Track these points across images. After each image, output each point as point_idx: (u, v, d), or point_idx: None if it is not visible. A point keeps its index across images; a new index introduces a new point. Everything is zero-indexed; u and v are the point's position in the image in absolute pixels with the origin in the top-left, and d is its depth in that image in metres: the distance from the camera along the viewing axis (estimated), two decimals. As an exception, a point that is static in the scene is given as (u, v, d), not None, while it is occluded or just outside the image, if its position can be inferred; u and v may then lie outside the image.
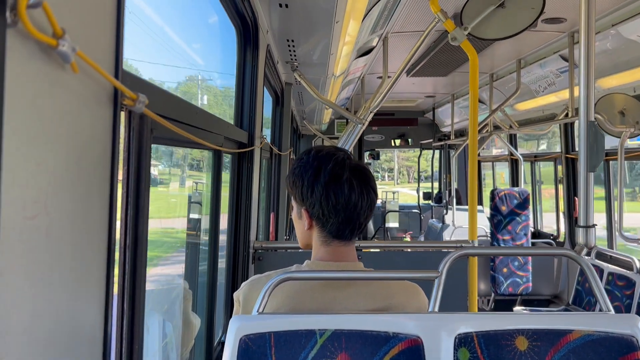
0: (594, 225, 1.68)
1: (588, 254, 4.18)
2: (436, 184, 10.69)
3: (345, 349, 1.49)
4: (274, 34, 2.91)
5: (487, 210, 6.94)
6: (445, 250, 3.31)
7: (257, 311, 1.53)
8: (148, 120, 0.97)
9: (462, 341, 1.51)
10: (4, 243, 0.52)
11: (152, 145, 1.05)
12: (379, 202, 10.96)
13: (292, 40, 3.04)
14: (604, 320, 1.53)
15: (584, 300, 4.91)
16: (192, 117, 1.35)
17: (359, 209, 1.53)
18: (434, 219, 8.93)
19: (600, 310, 1.61)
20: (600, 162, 1.62)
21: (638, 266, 4.30)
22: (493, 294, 5.88)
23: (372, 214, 1.59)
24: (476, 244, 2.80)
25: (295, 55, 3.40)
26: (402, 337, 1.50)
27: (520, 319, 1.55)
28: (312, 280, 1.59)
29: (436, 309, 1.60)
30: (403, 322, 1.51)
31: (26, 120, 0.55)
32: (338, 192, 1.50)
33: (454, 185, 8.07)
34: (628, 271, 4.38)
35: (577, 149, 5.80)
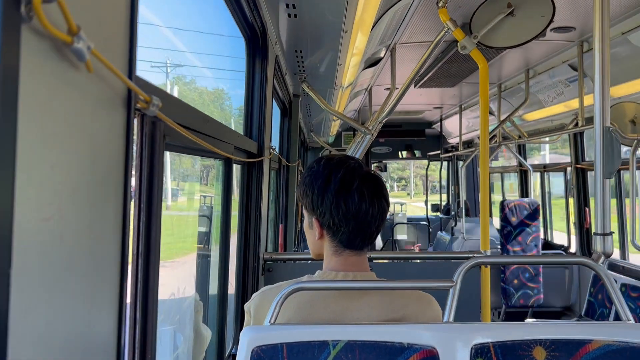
0: (611, 233, 1.65)
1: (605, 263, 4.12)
2: (444, 196, 10.64)
3: (359, 360, 1.46)
4: (283, 44, 2.92)
5: (496, 222, 6.88)
6: (455, 260, 3.28)
7: (269, 322, 1.51)
8: (161, 126, 0.96)
9: (479, 352, 1.47)
10: (20, 245, 0.50)
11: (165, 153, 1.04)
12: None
13: (301, 51, 3.04)
14: (625, 330, 1.50)
15: (596, 312, 4.84)
16: (203, 126, 1.34)
17: (369, 218, 1.51)
18: (442, 231, 8.87)
19: (618, 319, 1.57)
20: (617, 168, 1.60)
21: (652, 277, 4.24)
22: (504, 306, 5.81)
23: (383, 223, 1.57)
24: (489, 254, 2.77)
25: (303, 66, 3.41)
26: (417, 347, 1.47)
27: (538, 329, 1.51)
28: (324, 291, 1.56)
29: (451, 319, 1.57)
30: (418, 333, 1.48)
31: (41, 119, 0.54)
32: (348, 200, 1.48)
33: (463, 196, 8.03)
34: (642, 282, 4.32)
35: (587, 158, 5.75)
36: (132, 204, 0.89)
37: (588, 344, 1.48)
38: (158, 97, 0.82)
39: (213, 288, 1.97)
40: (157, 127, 0.96)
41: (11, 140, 0.47)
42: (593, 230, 5.47)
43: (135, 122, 0.96)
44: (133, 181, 0.89)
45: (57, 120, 0.57)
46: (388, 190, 1.69)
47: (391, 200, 1.67)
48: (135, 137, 0.95)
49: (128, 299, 0.91)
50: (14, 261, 0.49)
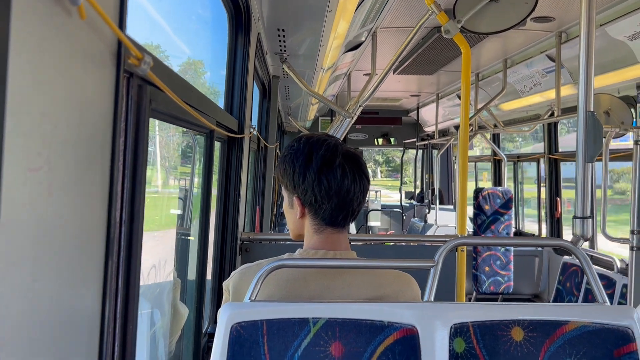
0: (590, 216, 1.68)
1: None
2: (418, 184, 10.73)
3: (339, 337, 1.46)
4: (265, 22, 2.87)
5: (470, 209, 6.97)
6: (430, 244, 3.30)
7: (250, 299, 1.49)
8: (147, 90, 0.93)
9: (458, 331, 1.49)
10: (8, 194, 0.47)
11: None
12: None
13: (283, 30, 3.00)
14: (600, 312, 1.52)
15: (564, 300, 4.95)
16: (188, 95, 1.30)
17: (352, 195, 1.51)
18: (416, 218, 8.95)
19: (586, 301, 1.60)
20: (599, 152, 1.62)
21: (619, 266, 4.34)
22: (475, 293, 5.91)
23: (364, 200, 1.58)
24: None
25: (285, 46, 3.36)
26: (397, 326, 1.47)
27: (517, 309, 1.53)
28: (305, 269, 1.56)
29: (431, 299, 1.58)
30: (398, 311, 1.48)
31: (31, 64, 0.50)
32: (331, 177, 1.48)
33: (437, 184, 8.10)
34: (609, 271, 4.43)
35: (560, 149, 5.85)
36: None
37: (565, 324, 1.50)
38: (149, 56, 0.79)
39: (191, 266, 1.94)
40: (144, 91, 0.92)
41: (1, 81, 0.44)
42: (565, 218, 5.56)
43: (122, 84, 0.92)
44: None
45: (47, 67, 0.54)
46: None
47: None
48: (121, 99, 0.91)
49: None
50: (2, 211, 0.46)
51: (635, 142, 3.75)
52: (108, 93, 0.71)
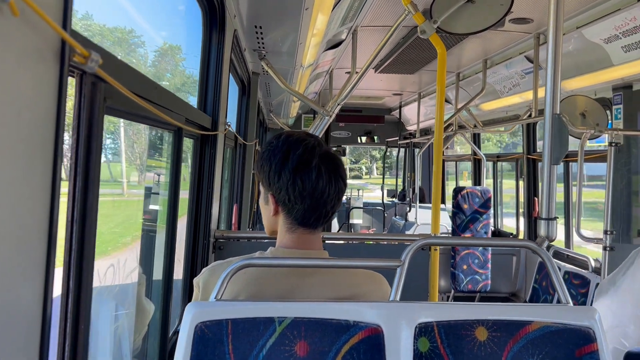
0: (555, 218, 1.70)
1: (549, 247, 4.27)
2: (400, 181, 10.77)
3: (305, 337, 1.46)
4: (242, 19, 2.85)
5: (449, 208, 7.01)
6: (407, 243, 3.32)
7: (215, 298, 1.48)
8: (101, 87, 0.92)
9: (423, 330, 1.49)
10: None
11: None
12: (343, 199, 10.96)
13: (260, 27, 2.98)
14: (563, 312, 1.54)
15: (540, 298, 5.01)
16: (149, 92, 1.29)
17: (325, 197, 1.50)
18: (397, 217, 8.99)
19: (559, 302, 1.62)
20: (564, 155, 1.64)
21: (593, 265, 4.40)
22: (453, 291, 5.95)
23: (340, 203, 1.56)
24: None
25: (263, 43, 3.35)
26: (362, 325, 1.48)
27: (481, 309, 1.54)
28: (275, 268, 1.55)
29: (397, 298, 1.58)
30: (364, 311, 1.48)
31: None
32: (305, 178, 1.47)
33: (418, 183, 8.14)
34: (583, 270, 4.49)
35: (539, 149, 5.91)
36: (65, 168, 0.84)
37: (528, 325, 1.52)
38: (99, 54, 0.77)
39: (158, 263, 1.93)
40: (98, 88, 0.91)
41: None
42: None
43: (74, 82, 0.91)
44: (69, 143, 0.84)
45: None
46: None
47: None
48: (74, 97, 0.90)
49: (60, 267, 0.87)
50: None
51: (610, 144, 3.80)
52: (51, 91, 0.70)
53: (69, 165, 0.90)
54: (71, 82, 0.93)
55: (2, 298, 0.64)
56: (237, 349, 1.44)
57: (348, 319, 1.48)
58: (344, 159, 11.37)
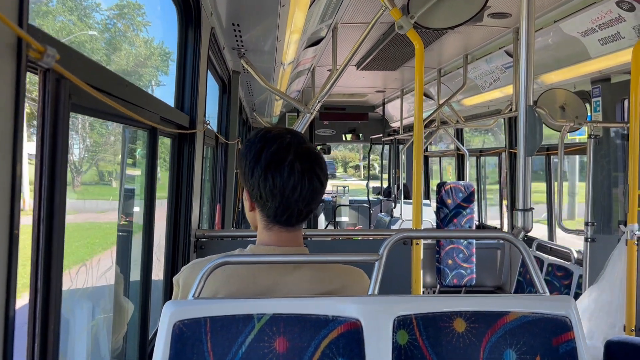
0: (531, 209, 1.71)
1: (525, 238, 4.32)
2: (385, 177, 10.80)
3: (284, 333, 1.45)
4: (220, 17, 2.84)
5: (433, 204, 7.05)
6: (388, 237, 3.33)
7: (193, 296, 1.48)
8: (66, 84, 0.90)
9: (401, 323, 1.50)
10: None
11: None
12: (328, 196, 10.98)
13: (238, 25, 2.97)
14: (539, 302, 1.55)
15: (525, 291, 5.05)
16: (120, 89, 1.27)
17: (297, 196, 1.46)
18: (382, 213, 9.02)
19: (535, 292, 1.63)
20: (538, 146, 1.65)
21: (575, 257, 4.45)
22: (438, 285, 5.99)
23: (315, 201, 1.51)
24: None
25: (241, 41, 3.33)
26: (341, 320, 1.48)
27: (459, 301, 1.55)
28: (255, 265, 1.54)
29: (376, 292, 1.58)
30: (342, 305, 1.48)
31: None
32: (276, 176, 1.44)
33: (402, 179, 8.17)
34: (566, 262, 4.53)
35: (520, 143, 5.95)
36: (27, 166, 0.83)
37: (506, 315, 1.53)
38: (57, 49, 0.76)
39: (136, 263, 1.91)
40: (62, 85, 0.90)
41: None
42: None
43: (38, 79, 0.90)
44: (31, 142, 0.83)
45: None
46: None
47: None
48: (37, 94, 0.89)
49: (27, 268, 0.86)
50: None
51: (589, 136, 3.84)
52: (8, 88, 0.69)
53: (35, 164, 0.89)
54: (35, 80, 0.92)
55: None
56: (216, 346, 1.44)
57: (327, 314, 1.48)
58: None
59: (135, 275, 1.88)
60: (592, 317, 2.93)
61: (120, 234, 1.96)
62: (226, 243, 2.90)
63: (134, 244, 1.95)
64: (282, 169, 1.44)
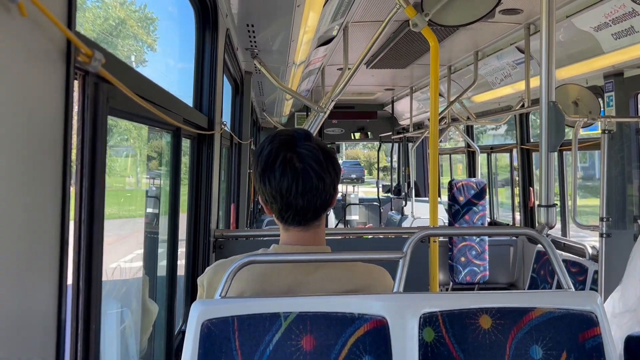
0: (554, 205, 1.71)
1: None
2: (395, 176, 10.80)
3: (311, 331, 1.47)
4: (234, 18, 2.85)
5: (444, 201, 7.03)
6: (405, 235, 3.34)
7: (220, 295, 1.49)
8: (104, 88, 0.92)
9: (427, 321, 1.50)
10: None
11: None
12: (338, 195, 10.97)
13: (252, 26, 2.98)
14: (565, 298, 1.56)
15: (539, 287, 5.03)
16: (149, 93, 1.29)
17: (293, 195, 1.45)
18: (393, 211, 9.01)
19: (559, 288, 1.63)
20: (561, 142, 1.65)
21: (590, 253, 4.43)
22: (451, 283, 5.97)
23: (318, 198, 1.49)
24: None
25: (255, 42, 3.35)
26: (367, 317, 1.49)
27: (484, 297, 1.56)
28: (279, 264, 1.56)
29: (401, 290, 1.59)
30: (368, 303, 1.49)
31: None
32: (271, 178, 1.45)
33: (413, 177, 8.16)
34: (581, 258, 4.51)
35: (532, 140, 5.93)
36: (73, 169, 0.85)
37: (531, 311, 1.53)
38: (100, 53, 0.78)
39: (161, 264, 1.93)
40: (100, 89, 0.92)
41: None
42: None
43: (77, 83, 0.91)
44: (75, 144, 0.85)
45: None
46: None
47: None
48: (76, 99, 0.90)
49: (70, 267, 0.87)
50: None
51: (603, 131, 3.82)
52: (58, 91, 0.70)
53: (75, 167, 0.90)
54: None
55: (18, 300, 0.64)
56: (244, 345, 1.45)
57: (353, 312, 1.49)
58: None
59: (160, 276, 1.89)
60: (616, 315, 2.92)
61: (146, 236, 1.98)
62: (243, 243, 2.91)
63: (159, 246, 1.97)
64: (275, 171, 1.45)
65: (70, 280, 0.89)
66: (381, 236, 3.92)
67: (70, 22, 0.70)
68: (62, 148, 0.71)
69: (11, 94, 0.60)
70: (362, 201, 10.90)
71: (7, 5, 0.55)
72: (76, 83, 0.91)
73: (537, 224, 1.78)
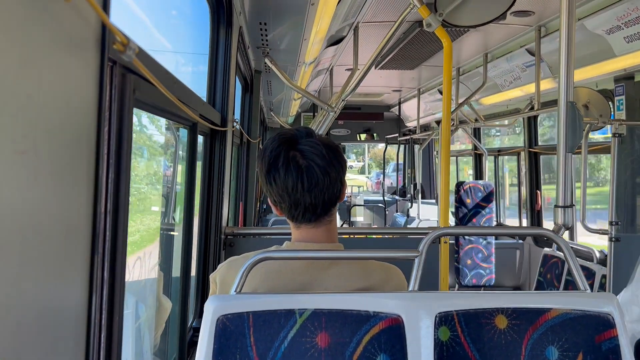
0: (572, 205, 1.70)
1: (545, 239, 4.28)
2: (400, 178, 10.79)
3: (326, 328, 1.46)
4: (246, 16, 2.85)
5: (451, 203, 7.01)
6: (413, 237, 3.33)
7: (235, 291, 1.49)
8: (131, 79, 0.92)
9: (443, 320, 1.50)
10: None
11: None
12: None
13: (265, 24, 2.99)
14: (581, 299, 1.55)
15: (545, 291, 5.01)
16: (171, 86, 1.29)
17: (300, 192, 1.45)
18: (398, 213, 9.00)
19: (566, 289, 1.63)
20: (579, 142, 1.65)
21: (598, 257, 4.41)
22: (457, 285, 5.96)
23: (325, 193, 1.48)
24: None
25: (267, 40, 3.35)
26: (382, 316, 1.48)
27: (500, 297, 1.55)
28: (292, 261, 1.56)
29: (416, 289, 1.59)
30: (384, 301, 1.49)
31: (16, 43, 0.49)
32: (276, 177, 1.45)
33: (419, 179, 8.15)
34: (588, 262, 4.49)
35: (539, 143, 5.92)
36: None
37: (547, 312, 1.53)
38: (135, 43, 0.78)
39: (175, 260, 1.93)
40: (127, 80, 0.91)
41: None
42: (546, 209, 5.63)
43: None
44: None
45: (32, 50, 0.53)
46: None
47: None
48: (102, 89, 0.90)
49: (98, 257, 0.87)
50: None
51: (613, 135, 3.81)
52: (92, 80, 0.70)
53: (100, 158, 0.90)
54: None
55: (51, 293, 0.64)
56: (259, 340, 1.45)
57: (368, 310, 1.48)
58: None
59: (174, 272, 1.89)
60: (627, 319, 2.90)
61: (161, 232, 1.98)
62: (252, 240, 2.91)
63: (173, 242, 1.97)
64: (279, 169, 1.45)
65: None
66: (388, 237, 3.92)
67: (106, 9, 0.70)
68: (96, 137, 0.71)
69: (49, 78, 0.60)
70: (367, 203, 10.88)
71: (51, -10, 0.55)
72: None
73: (554, 224, 1.78)
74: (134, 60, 0.78)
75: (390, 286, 1.63)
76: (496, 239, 6.03)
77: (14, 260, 0.55)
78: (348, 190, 11.77)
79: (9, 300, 0.55)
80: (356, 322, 1.48)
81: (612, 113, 4.36)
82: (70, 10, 0.60)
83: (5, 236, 0.51)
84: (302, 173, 1.45)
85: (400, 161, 10.67)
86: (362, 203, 10.68)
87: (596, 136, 5.06)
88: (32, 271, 0.60)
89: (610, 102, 4.36)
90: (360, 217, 10.69)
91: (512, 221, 7.16)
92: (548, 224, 6.00)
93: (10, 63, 0.49)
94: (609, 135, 3.93)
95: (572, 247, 4.96)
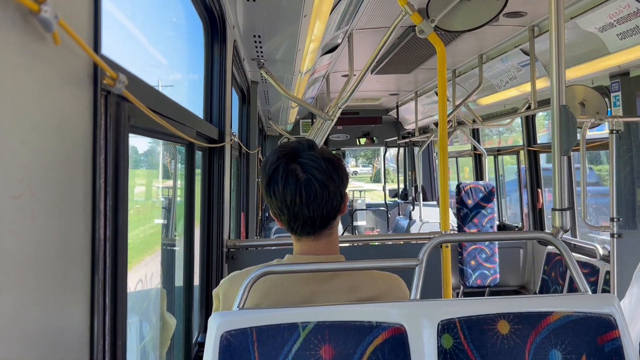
0: (569, 208, 1.71)
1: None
2: (401, 180, 10.79)
3: (329, 340, 1.47)
4: (240, 29, 2.87)
5: (452, 204, 7.03)
6: (415, 242, 3.34)
7: (238, 307, 1.50)
8: (125, 107, 0.93)
9: (445, 327, 1.50)
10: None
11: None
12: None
13: (259, 36, 3.00)
14: (582, 301, 1.55)
15: (550, 289, 5.02)
16: (166, 108, 1.30)
17: (298, 205, 1.46)
18: (400, 216, 9.01)
19: (571, 291, 1.63)
20: (573, 145, 1.66)
21: (601, 253, 4.42)
22: (462, 287, 5.96)
23: (324, 206, 1.49)
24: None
25: (261, 52, 3.37)
26: (385, 326, 1.49)
27: (501, 303, 1.55)
28: (294, 275, 1.56)
29: (418, 297, 1.59)
30: (386, 311, 1.50)
31: (9, 92, 0.51)
32: (275, 190, 1.46)
33: (419, 181, 8.16)
34: (592, 258, 4.50)
35: (538, 141, 5.93)
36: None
37: (549, 315, 1.53)
38: (124, 75, 0.79)
39: (178, 276, 1.94)
40: (122, 108, 0.93)
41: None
42: (548, 208, 5.66)
43: (100, 103, 0.92)
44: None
45: (25, 94, 0.55)
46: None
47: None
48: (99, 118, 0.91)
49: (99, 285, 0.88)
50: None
51: (611, 131, 3.82)
52: (87, 113, 0.72)
53: (97, 185, 0.91)
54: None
55: (52, 321, 0.65)
56: (263, 356, 1.46)
57: (371, 320, 1.49)
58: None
59: (177, 288, 1.90)
60: (633, 318, 2.90)
61: (163, 248, 1.99)
62: (254, 253, 2.92)
63: (175, 258, 1.98)
64: (278, 183, 1.46)
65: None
66: (390, 242, 3.92)
67: (96, 46, 0.72)
68: (92, 166, 0.73)
69: (43, 119, 0.61)
70: (369, 207, 10.89)
71: (42, 35, 0.56)
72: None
73: (552, 227, 1.78)
74: (123, 92, 0.80)
75: (393, 295, 1.64)
76: (504, 240, 6.04)
77: (15, 298, 0.56)
78: (350, 195, 11.79)
79: (10, 333, 0.56)
80: (359, 333, 1.49)
81: (609, 109, 4.37)
82: (61, 51, 0.62)
83: (5, 279, 0.52)
84: (301, 186, 1.45)
85: (400, 164, 10.68)
86: (364, 207, 10.69)
87: (594, 133, 5.07)
88: (33, 304, 0.62)
89: (606, 99, 4.37)
90: (363, 221, 10.69)
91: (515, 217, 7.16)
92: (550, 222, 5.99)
93: (3, 111, 0.50)
94: (607, 131, 3.94)
95: (575, 244, 4.98)
